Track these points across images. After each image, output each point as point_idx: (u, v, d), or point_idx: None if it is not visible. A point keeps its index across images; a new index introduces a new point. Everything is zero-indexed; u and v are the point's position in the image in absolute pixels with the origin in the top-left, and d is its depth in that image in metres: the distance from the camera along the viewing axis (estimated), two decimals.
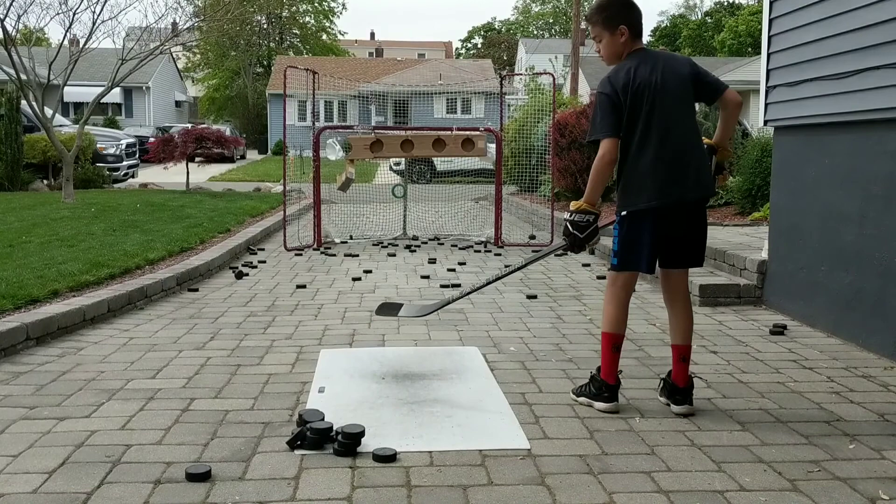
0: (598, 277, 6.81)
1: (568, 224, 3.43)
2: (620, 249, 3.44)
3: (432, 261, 7.92)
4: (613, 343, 3.47)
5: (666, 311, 3.65)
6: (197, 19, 16.25)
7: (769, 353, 4.45)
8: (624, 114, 3.35)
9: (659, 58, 3.49)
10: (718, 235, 7.39)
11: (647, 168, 3.35)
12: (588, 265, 7.58)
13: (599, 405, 3.46)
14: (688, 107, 3.46)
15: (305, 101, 11.27)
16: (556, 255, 8.22)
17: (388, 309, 4.22)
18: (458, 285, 6.54)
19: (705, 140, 3.55)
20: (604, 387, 3.46)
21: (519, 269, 3.75)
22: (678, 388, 3.48)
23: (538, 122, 13.40)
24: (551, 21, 76.09)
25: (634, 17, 3.48)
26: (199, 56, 49.70)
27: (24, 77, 12.40)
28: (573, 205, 3.46)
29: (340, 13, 69.63)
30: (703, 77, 3.49)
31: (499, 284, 6.59)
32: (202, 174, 20.86)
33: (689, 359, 3.52)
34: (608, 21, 3.47)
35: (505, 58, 67.70)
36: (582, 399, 3.55)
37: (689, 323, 3.56)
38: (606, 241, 3.90)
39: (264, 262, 7.86)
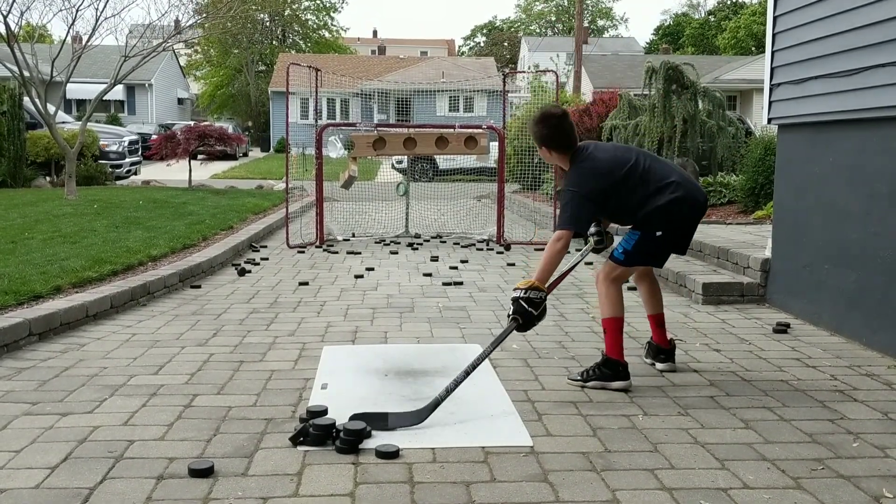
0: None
1: (522, 301, 3.50)
2: (636, 252, 3.77)
3: (434, 258, 7.91)
4: (621, 326, 3.75)
5: (644, 291, 4.08)
6: (199, 17, 16.23)
7: (772, 352, 4.44)
8: (622, 186, 3.65)
9: (612, 146, 4.00)
10: (721, 234, 7.38)
11: (669, 199, 3.68)
12: (591, 264, 7.57)
13: (618, 384, 3.65)
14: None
15: (308, 98, 11.26)
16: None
17: (371, 420, 3.18)
18: (461, 283, 6.54)
19: None
20: (619, 366, 3.67)
21: (482, 359, 3.55)
22: (664, 349, 4.01)
23: None
24: (553, 19, 76.05)
25: (553, 136, 3.75)
26: (200, 55, 49.67)
27: (26, 74, 12.39)
28: (523, 283, 3.57)
29: (341, 8, 69.33)
30: None
31: (500, 283, 6.59)
32: (204, 172, 20.87)
33: (664, 323, 4.06)
34: (536, 139, 3.84)
35: (508, 56, 67.67)
36: (592, 383, 3.68)
37: (661, 293, 4.11)
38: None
39: (267, 259, 7.86)
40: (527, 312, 3.49)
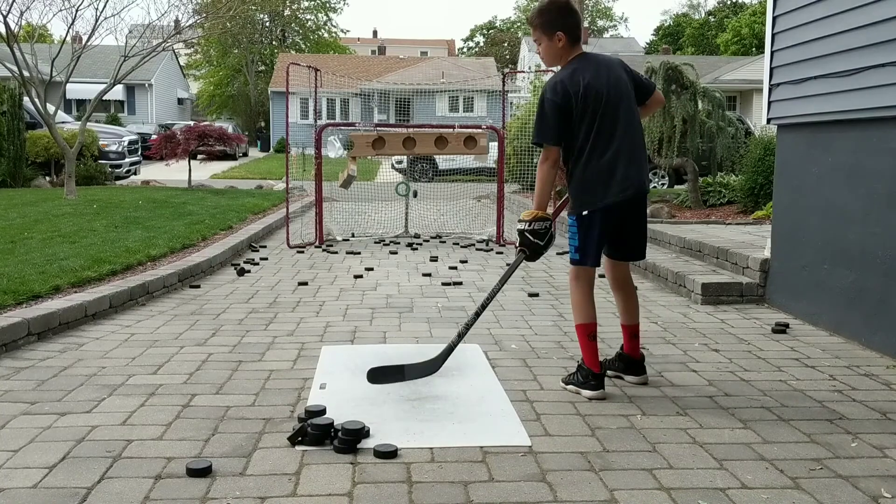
0: (600, 276, 6.79)
1: (528, 234, 3.52)
2: (584, 244, 3.59)
3: (434, 259, 7.91)
4: (591, 332, 3.62)
5: (619, 300, 3.86)
6: (199, 17, 16.23)
7: (771, 352, 4.44)
8: (573, 119, 3.49)
9: (601, 62, 3.63)
10: (721, 234, 7.38)
11: (602, 168, 3.51)
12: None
13: (586, 392, 3.57)
14: (630, 107, 3.60)
15: (308, 98, 11.25)
16: (557, 254, 8.22)
17: (388, 374, 3.57)
18: (460, 283, 6.54)
19: None
20: (590, 375, 3.58)
21: (495, 293, 3.69)
22: (634, 360, 3.79)
23: None
24: None
25: (572, 23, 3.59)
26: (200, 55, 49.68)
27: (26, 74, 12.39)
28: (526, 214, 3.54)
29: (341, 9, 69.23)
30: (637, 78, 3.70)
31: None
32: (204, 171, 20.88)
33: (638, 334, 3.83)
34: (546, 26, 3.58)
35: (508, 56, 67.69)
36: (570, 387, 3.65)
37: (637, 304, 3.85)
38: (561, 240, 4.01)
39: (266, 259, 7.86)
40: (533, 244, 3.51)
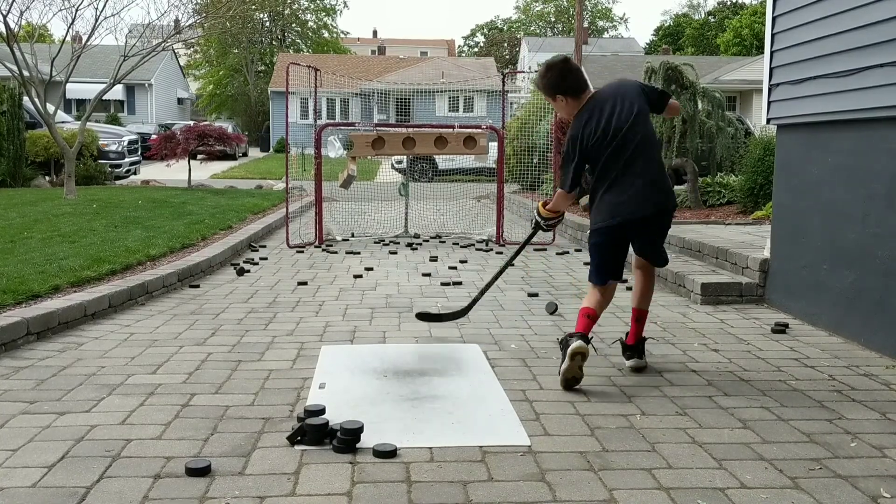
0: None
1: (542, 223, 4.28)
2: (590, 245, 4.08)
3: (434, 259, 7.91)
4: (588, 314, 3.92)
5: (638, 280, 4.22)
6: (199, 17, 16.22)
7: (771, 352, 4.44)
8: (585, 161, 3.85)
9: (616, 96, 3.84)
10: (721, 234, 7.38)
11: (605, 200, 3.86)
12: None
13: (567, 350, 3.63)
14: (638, 132, 3.79)
15: (307, 98, 11.26)
16: (556, 253, 8.23)
17: (429, 317, 4.86)
18: (460, 283, 6.54)
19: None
20: (569, 335, 3.77)
21: (512, 259, 4.70)
22: (628, 346, 4.12)
23: (540, 120, 13.40)
24: (553, 20, 76.11)
25: (567, 84, 3.85)
26: (200, 55, 49.67)
27: (26, 73, 12.40)
28: (544, 212, 4.20)
29: (341, 11, 69.19)
30: (652, 95, 3.97)
31: (500, 282, 6.58)
32: (204, 171, 20.88)
33: (643, 320, 4.18)
34: (547, 90, 3.92)
35: (507, 56, 67.72)
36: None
37: (652, 290, 4.24)
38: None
39: (266, 258, 7.85)
40: (544, 226, 4.30)
